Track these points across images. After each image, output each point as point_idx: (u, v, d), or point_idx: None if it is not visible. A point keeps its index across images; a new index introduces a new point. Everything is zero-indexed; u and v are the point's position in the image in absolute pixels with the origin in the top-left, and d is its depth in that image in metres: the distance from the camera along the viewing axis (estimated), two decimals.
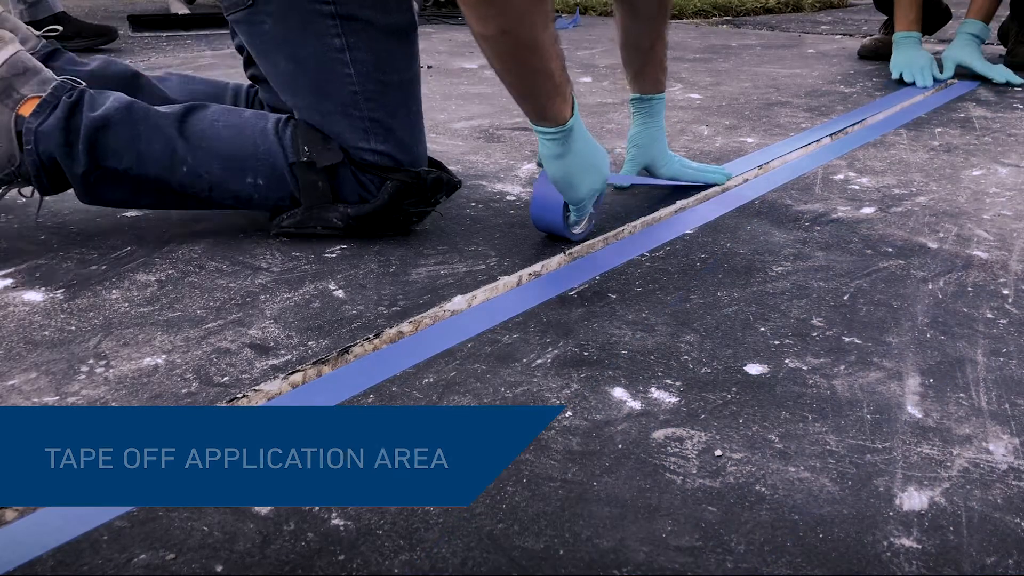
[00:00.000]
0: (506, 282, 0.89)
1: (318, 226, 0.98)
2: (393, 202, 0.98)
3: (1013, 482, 0.57)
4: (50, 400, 0.67)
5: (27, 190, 0.96)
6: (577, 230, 1.00)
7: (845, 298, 0.85)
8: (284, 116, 0.99)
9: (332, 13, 0.92)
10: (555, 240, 1.00)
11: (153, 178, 0.95)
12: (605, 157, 0.96)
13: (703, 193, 1.17)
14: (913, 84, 1.95)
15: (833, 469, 0.59)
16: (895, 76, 2.00)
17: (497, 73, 0.86)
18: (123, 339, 0.77)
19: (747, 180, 1.25)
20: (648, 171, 1.19)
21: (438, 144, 1.45)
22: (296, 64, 0.95)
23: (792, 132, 1.53)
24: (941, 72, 1.99)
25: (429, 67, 2.25)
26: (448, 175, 1.02)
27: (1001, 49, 2.32)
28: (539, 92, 0.86)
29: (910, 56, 2.01)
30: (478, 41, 0.83)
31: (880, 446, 0.61)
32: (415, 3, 0.98)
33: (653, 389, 0.69)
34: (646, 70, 1.14)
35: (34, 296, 0.85)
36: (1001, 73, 1.95)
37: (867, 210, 1.12)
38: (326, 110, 0.96)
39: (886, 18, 2.39)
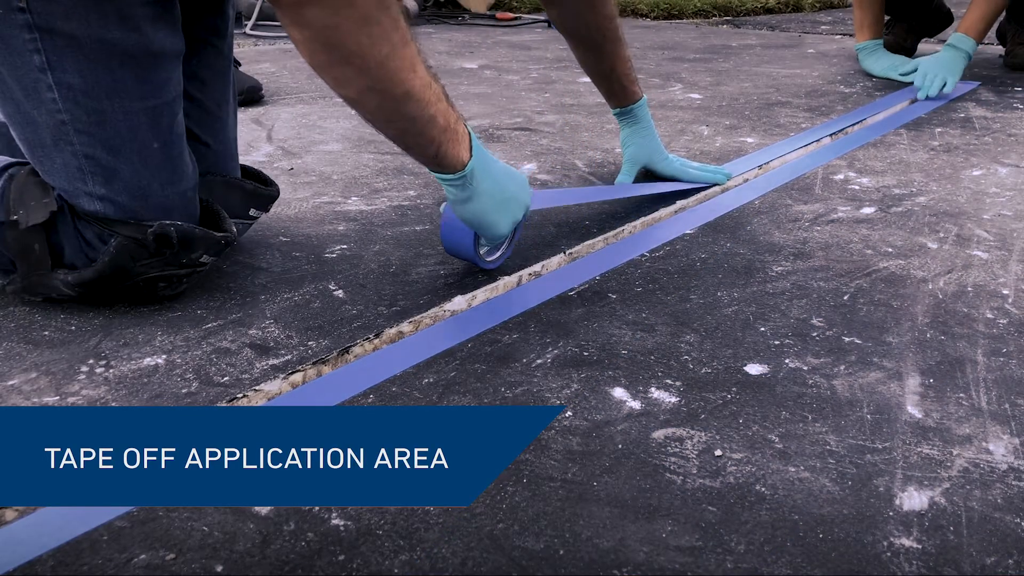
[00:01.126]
0: (506, 282, 0.89)
1: (51, 293, 0.82)
2: (118, 265, 0.79)
3: (1013, 482, 0.57)
4: (50, 400, 0.67)
5: None
6: (492, 258, 0.91)
7: (845, 298, 0.85)
8: (9, 162, 0.83)
9: (28, 24, 0.73)
10: (555, 240, 1.00)
11: None
12: (523, 184, 0.88)
13: (703, 193, 1.17)
14: (908, 83, 1.95)
15: (833, 469, 0.59)
16: (883, 76, 2.01)
17: (375, 129, 0.78)
18: (123, 339, 0.77)
19: (747, 180, 1.25)
20: (647, 170, 1.20)
21: None
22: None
23: (792, 132, 1.53)
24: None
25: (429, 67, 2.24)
26: (210, 231, 0.83)
27: (1000, 49, 2.32)
28: (426, 141, 0.76)
29: (883, 57, 2.03)
30: (345, 101, 0.74)
31: (880, 446, 0.61)
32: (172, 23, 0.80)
33: (653, 389, 0.69)
34: (614, 88, 1.16)
35: (34, 296, 0.85)
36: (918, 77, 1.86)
37: (867, 210, 1.12)
38: (35, 141, 0.78)
39: (887, 18, 2.39)
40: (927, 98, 1.79)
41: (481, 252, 0.89)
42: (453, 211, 0.85)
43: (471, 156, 0.80)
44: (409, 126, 0.75)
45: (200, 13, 0.90)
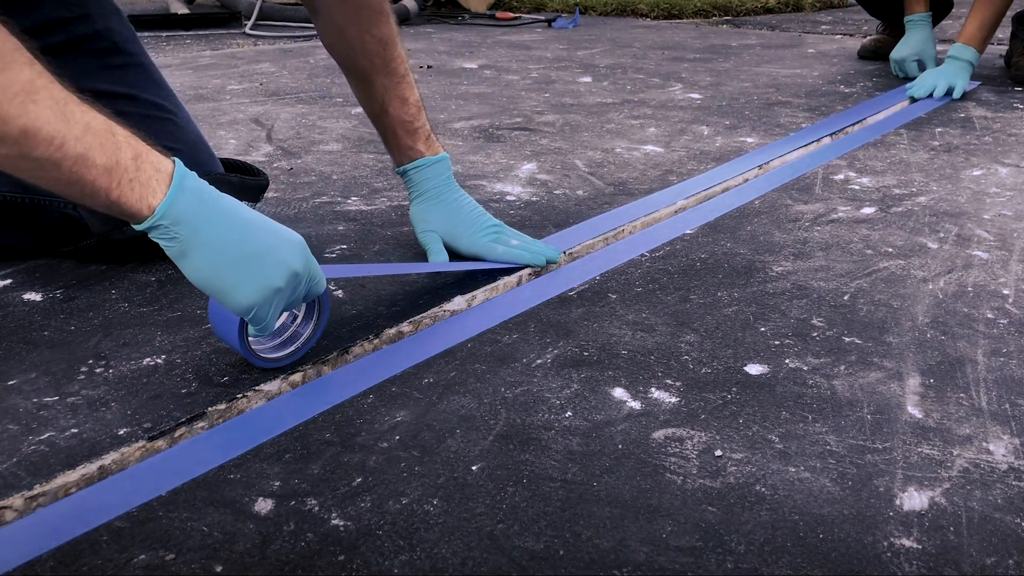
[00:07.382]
0: (506, 282, 0.89)
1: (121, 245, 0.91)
2: None
3: (1013, 482, 0.57)
4: (50, 400, 0.67)
5: None
6: (275, 355, 0.69)
7: (845, 298, 0.85)
8: None
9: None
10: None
11: None
12: (288, 241, 0.65)
13: (703, 193, 1.17)
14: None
15: (833, 469, 0.59)
16: (903, 73, 1.98)
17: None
18: (123, 339, 0.77)
19: (747, 180, 1.25)
20: (449, 248, 0.92)
21: None
22: None
23: (792, 132, 1.53)
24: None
25: (429, 67, 2.25)
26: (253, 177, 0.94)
27: (1000, 49, 2.32)
28: (86, 189, 0.58)
29: (921, 42, 1.97)
30: None
31: (880, 446, 0.61)
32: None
33: (653, 389, 0.69)
34: (388, 138, 0.92)
35: (34, 296, 0.85)
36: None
37: (867, 210, 1.12)
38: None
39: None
40: (926, 97, 1.79)
41: (250, 340, 0.67)
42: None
43: (167, 199, 0.60)
44: (49, 171, 0.56)
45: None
